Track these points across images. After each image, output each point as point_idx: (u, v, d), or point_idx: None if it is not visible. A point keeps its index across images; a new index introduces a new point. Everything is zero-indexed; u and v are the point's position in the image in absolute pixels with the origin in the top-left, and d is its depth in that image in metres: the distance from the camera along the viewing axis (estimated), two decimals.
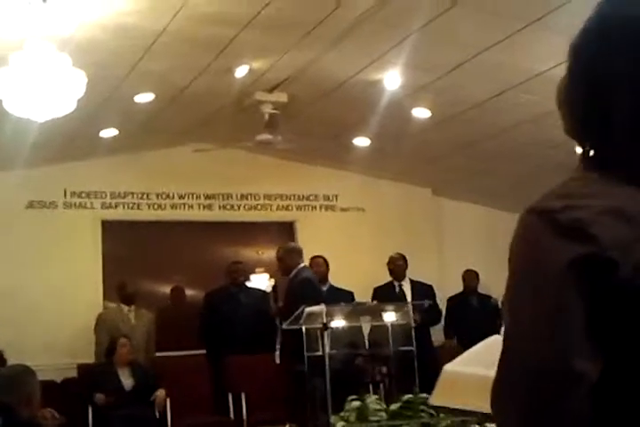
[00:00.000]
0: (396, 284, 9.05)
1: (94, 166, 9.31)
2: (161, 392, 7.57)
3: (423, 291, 8.95)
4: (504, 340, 1.01)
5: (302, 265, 7.59)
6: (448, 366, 2.24)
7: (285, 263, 7.57)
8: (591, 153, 1.07)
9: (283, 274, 7.78)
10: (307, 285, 7.33)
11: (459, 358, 2.35)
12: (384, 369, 6.88)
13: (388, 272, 9.22)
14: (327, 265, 8.74)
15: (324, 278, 8.58)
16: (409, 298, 8.81)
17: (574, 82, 1.08)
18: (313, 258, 8.57)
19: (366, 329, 8.04)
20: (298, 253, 7.63)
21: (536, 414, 0.95)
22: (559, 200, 1.01)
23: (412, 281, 9.09)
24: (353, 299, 8.49)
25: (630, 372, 0.93)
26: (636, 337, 0.94)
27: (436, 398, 2.31)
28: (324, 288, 8.42)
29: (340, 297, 7.96)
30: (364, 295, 8.83)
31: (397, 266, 9.08)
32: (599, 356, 0.93)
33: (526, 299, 0.99)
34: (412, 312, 8.11)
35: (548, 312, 0.96)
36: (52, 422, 4.28)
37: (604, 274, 0.94)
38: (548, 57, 6.44)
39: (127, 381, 7.60)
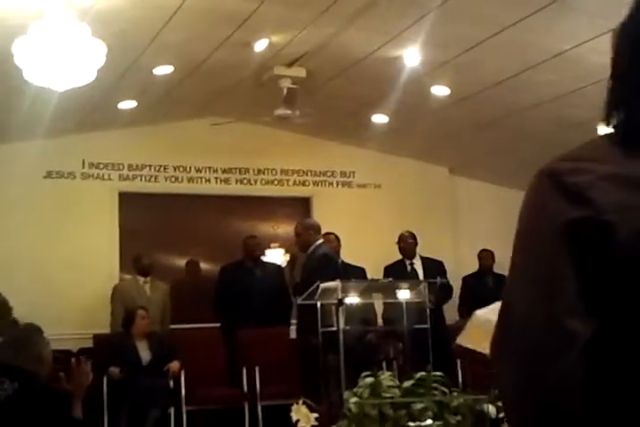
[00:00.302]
0: (407, 262, 9.04)
1: (112, 138, 9.33)
2: (175, 364, 7.60)
3: (434, 268, 8.94)
4: (503, 296, 1.03)
5: (320, 241, 7.61)
6: (479, 312, 2.29)
7: (303, 239, 7.59)
8: (619, 119, 1.06)
9: (300, 250, 7.80)
10: (325, 261, 7.37)
11: (491, 306, 2.42)
12: (400, 345, 6.90)
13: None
14: (339, 241, 8.74)
15: (336, 254, 8.59)
16: (421, 276, 8.81)
17: (623, 37, 1.07)
18: (325, 234, 8.58)
19: (380, 306, 8.07)
20: (316, 229, 7.65)
21: (528, 370, 0.96)
22: (567, 162, 1.02)
23: (422, 258, 9.08)
24: (365, 275, 8.51)
25: (625, 332, 0.94)
26: (631, 299, 0.94)
27: (463, 339, 2.38)
28: None
29: (352, 273, 7.98)
30: (377, 272, 8.85)
31: (408, 244, 9.05)
32: (593, 316, 0.94)
33: (523, 258, 1.02)
34: (426, 291, 8.18)
35: (542, 272, 0.98)
36: (64, 385, 4.27)
37: (600, 237, 0.94)
38: (569, 36, 6.39)
39: (144, 353, 7.60)
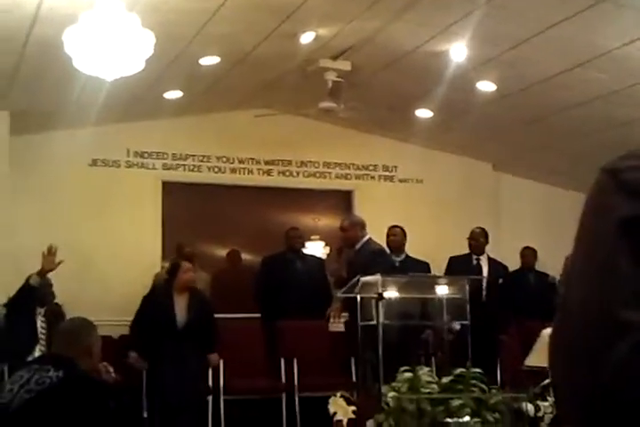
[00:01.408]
0: (474, 257, 8.98)
1: (157, 127, 9.41)
2: (214, 356, 7.33)
3: (499, 269, 8.91)
4: (562, 293, 1.04)
5: (368, 237, 7.62)
6: (546, 331, 2.28)
7: (350, 235, 7.60)
8: None
9: (346, 245, 7.83)
10: (380, 256, 7.39)
11: None
12: (457, 326, 6.86)
13: (444, 245, 9.19)
14: (405, 235, 8.70)
15: (400, 248, 8.60)
16: (485, 273, 8.77)
17: None
18: (391, 227, 8.59)
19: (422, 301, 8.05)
20: (362, 225, 7.67)
21: (584, 362, 0.96)
22: (628, 160, 1.02)
23: (489, 258, 9.02)
24: (429, 270, 8.47)
25: None
26: None
27: (532, 360, 2.38)
28: (400, 258, 8.46)
29: (416, 268, 8.00)
30: None
31: (478, 242, 8.97)
32: None
33: (582, 251, 1.03)
34: (484, 288, 8.19)
35: (598, 264, 0.98)
36: (106, 376, 4.37)
37: None
38: (619, 34, 6.32)
39: (181, 313, 7.11)
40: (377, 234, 8.10)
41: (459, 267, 8.58)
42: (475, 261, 8.90)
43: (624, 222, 0.96)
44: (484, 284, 8.53)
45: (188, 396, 6.94)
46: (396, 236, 8.58)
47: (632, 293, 0.94)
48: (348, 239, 7.67)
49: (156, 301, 7.26)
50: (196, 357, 7.10)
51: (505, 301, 8.85)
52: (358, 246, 7.54)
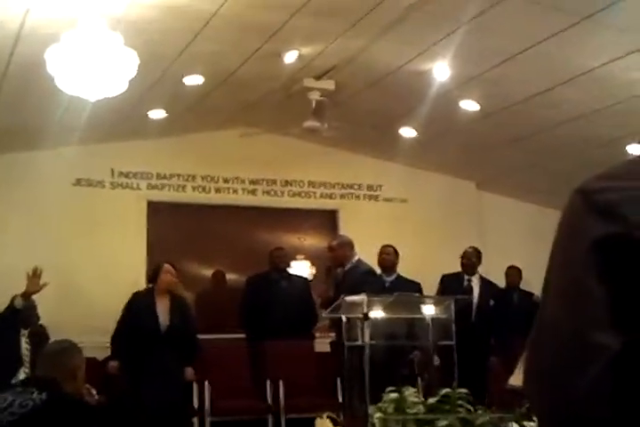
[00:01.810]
0: (465, 277, 8.96)
1: (142, 147, 9.38)
2: (190, 371, 7.26)
3: (490, 291, 8.88)
4: (537, 312, 1.04)
5: (358, 258, 7.60)
6: None
7: (339, 255, 7.59)
8: None
9: (335, 265, 7.80)
10: (370, 277, 7.38)
11: None
12: (436, 361, 6.85)
13: (429, 264, 9.17)
14: (397, 254, 8.66)
15: (392, 267, 8.54)
16: (476, 293, 8.73)
17: None
18: (384, 246, 8.54)
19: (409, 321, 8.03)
20: (351, 245, 7.66)
21: (556, 383, 0.97)
22: (601, 181, 1.03)
23: (482, 278, 8.99)
24: (420, 290, 8.39)
25: None
26: None
27: (515, 379, 2.40)
28: (391, 278, 8.41)
29: (407, 287, 7.96)
30: None
31: (470, 261, 8.94)
32: (621, 330, 0.94)
33: (555, 271, 1.03)
34: (474, 309, 8.17)
35: (570, 287, 0.99)
36: (89, 398, 4.32)
37: (630, 254, 0.95)
38: (599, 53, 6.36)
39: (163, 316, 7.15)
40: (363, 253, 8.08)
41: (450, 285, 8.57)
42: (466, 282, 8.89)
43: (596, 243, 0.96)
44: (474, 305, 8.50)
45: (171, 409, 6.92)
46: (389, 255, 8.54)
47: (603, 314, 0.95)
48: (337, 259, 7.65)
49: (137, 304, 7.28)
50: (178, 366, 7.10)
51: (495, 322, 8.84)
52: (348, 267, 7.52)
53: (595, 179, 1.04)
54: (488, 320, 8.57)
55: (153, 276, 7.43)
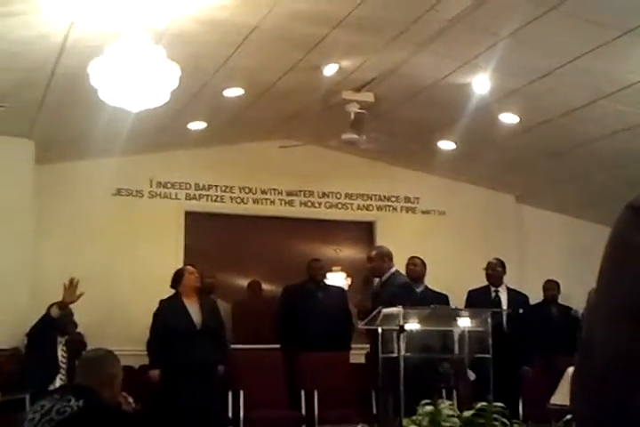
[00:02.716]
0: (492, 289, 8.92)
1: (181, 158, 9.47)
2: (221, 368, 7.44)
3: (519, 300, 8.82)
4: (585, 329, 1.03)
5: (395, 269, 7.61)
6: (571, 369, 2.27)
7: (376, 266, 7.58)
8: None
9: (374, 275, 7.81)
10: (406, 290, 7.38)
11: None
12: (471, 376, 6.82)
13: (466, 277, 9.12)
14: (425, 266, 8.67)
15: (420, 279, 8.55)
16: (504, 305, 8.69)
17: None
18: (411, 258, 8.57)
19: (445, 334, 8.00)
20: (390, 256, 7.65)
21: (605, 403, 0.96)
22: None
23: (508, 289, 8.95)
24: (447, 302, 8.44)
25: None
26: None
27: (558, 398, 2.37)
28: (419, 289, 8.39)
29: (435, 299, 7.95)
30: None
31: (496, 271, 8.92)
32: None
33: (605, 290, 1.01)
34: (505, 320, 8.12)
35: (621, 304, 0.97)
36: (126, 406, 4.36)
37: None
38: None
39: (195, 315, 7.30)
40: (399, 265, 8.06)
41: (477, 299, 8.53)
42: (493, 293, 8.84)
43: None
44: (505, 316, 8.45)
45: (206, 415, 7.06)
46: (416, 266, 8.55)
47: None
48: (375, 270, 7.65)
49: (167, 308, 7.38)
50: (214, 364, 7.26)
51: (527, 332, 8.78)
52: (384, 278, 7.52)
53: None
54: (520, 330, 8.50)
55: (176, 280, 7.53)
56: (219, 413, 7.46)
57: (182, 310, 7.29)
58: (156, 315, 7.44)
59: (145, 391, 6.84)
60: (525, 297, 9.00)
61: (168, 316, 7.32)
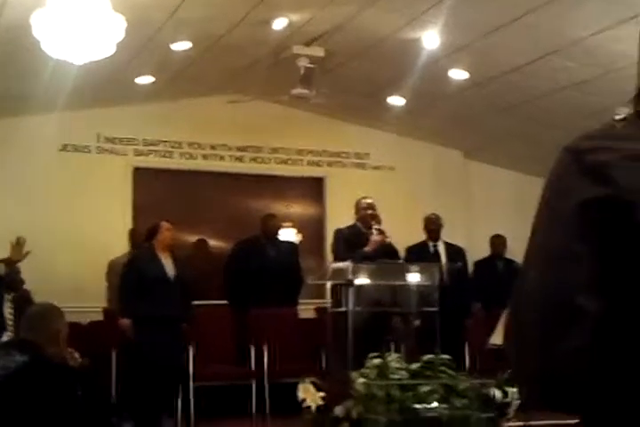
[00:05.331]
0: (430, 244, 9.00)
1: (128, 113, 9.33)
2: (185, 326, 7.44)
3: (456, 253, 8.93)
4: (519, 272, 1.03)
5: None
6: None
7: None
8: None
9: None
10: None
11: None
12: (416, 323, 6.90)
13: (416, 232, 9.18)
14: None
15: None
16: (443, 259, 8.79)
17: None
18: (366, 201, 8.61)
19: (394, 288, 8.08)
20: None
21: (539, 345, 0.96)
22: (592, 140, 1.01)
23: (446, 243, 9.05)
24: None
25: (638, 313, 0.94)
26: None
27: (496, 338, 2.41)
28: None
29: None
30: None
31: (437, 226, 9.01)
32: (606, 296, 0.93)
33: (541, 231, 1.01)
34: (445, 273, 8.21)
35: (557, 249, 0.97)
36: (72, 362, 4.34)
37: (619, 217, 0.93)
38: (589, 23, 6.34)
39: (169, 268, 7.28)
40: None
41: (417, 255, 8.58)
42: (432, 248, 8.94)
43: (583, 205, 0.95)
44: (444, 269, 8.54)
45: (176, 365, 7.13)
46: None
47: (587, 278, 0.94)
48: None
49: (141, 259, 7.34)
50: (183, 318, 7.25)
51: (467, 285, 8.91)
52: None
53: (585, 137, 1.02)
54: (460, 283, 8.61)
55: (150, 234, 7.44)
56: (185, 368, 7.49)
57: (156, 261, 7.26)
58: (128, 265, 7.40)
59: (91, 348, 6.80)
60: (462, 250, 9.11)
61: (142, 265, 7.27)
